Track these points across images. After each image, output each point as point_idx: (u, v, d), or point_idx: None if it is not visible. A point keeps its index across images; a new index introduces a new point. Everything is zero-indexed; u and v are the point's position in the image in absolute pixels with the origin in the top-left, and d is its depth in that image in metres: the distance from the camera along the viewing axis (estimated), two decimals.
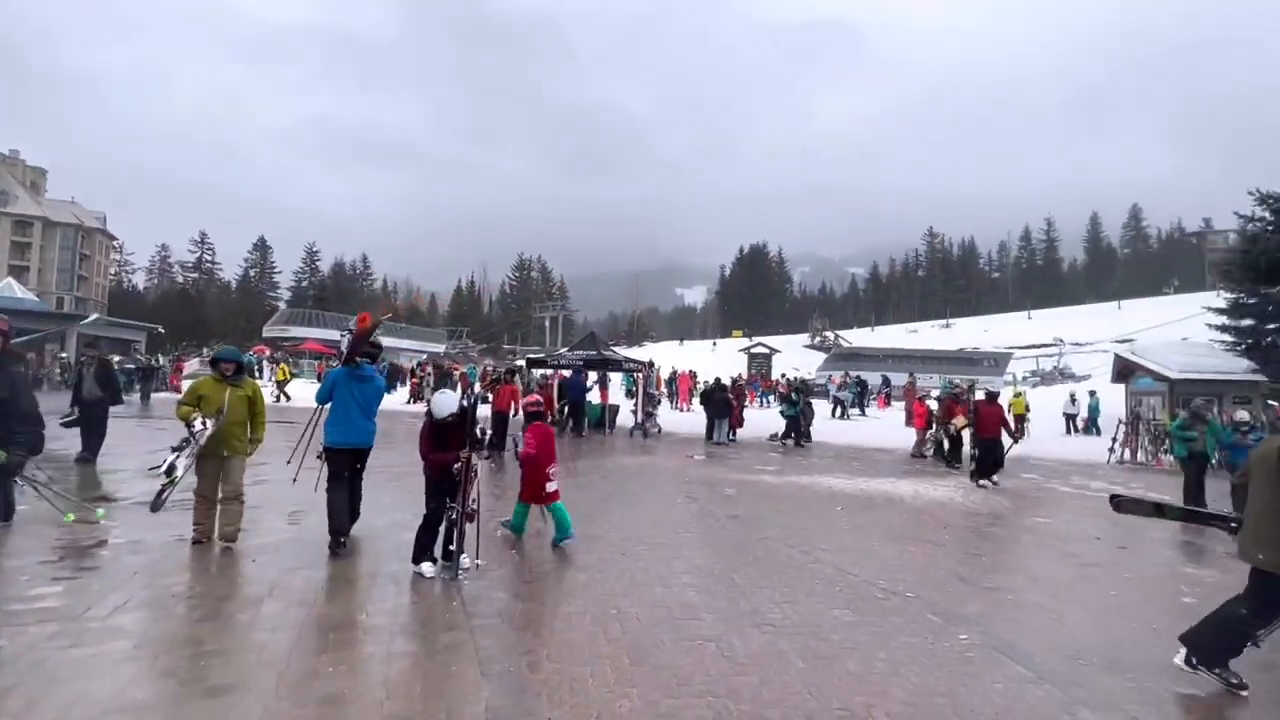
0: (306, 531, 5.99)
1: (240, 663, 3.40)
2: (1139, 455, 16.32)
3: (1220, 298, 22.34)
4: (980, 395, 12.79)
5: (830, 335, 68.00)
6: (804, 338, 69.28)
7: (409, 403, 24.80)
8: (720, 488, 9.53)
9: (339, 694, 3.13)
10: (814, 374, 39.01)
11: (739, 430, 16.74)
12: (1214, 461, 9.71)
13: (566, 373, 17.74)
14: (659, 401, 19.92)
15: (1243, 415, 9.25)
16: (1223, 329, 21.17)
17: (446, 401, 5.10)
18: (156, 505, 5.53)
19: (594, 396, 18.95)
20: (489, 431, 5.24)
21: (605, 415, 17.50)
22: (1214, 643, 3.64)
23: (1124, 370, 21.40)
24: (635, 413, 17.54)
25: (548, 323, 79.99)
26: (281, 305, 78.66)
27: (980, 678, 3.59)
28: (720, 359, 46.78)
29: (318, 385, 9.75)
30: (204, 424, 5.23)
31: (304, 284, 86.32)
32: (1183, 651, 3.71)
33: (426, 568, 4.89)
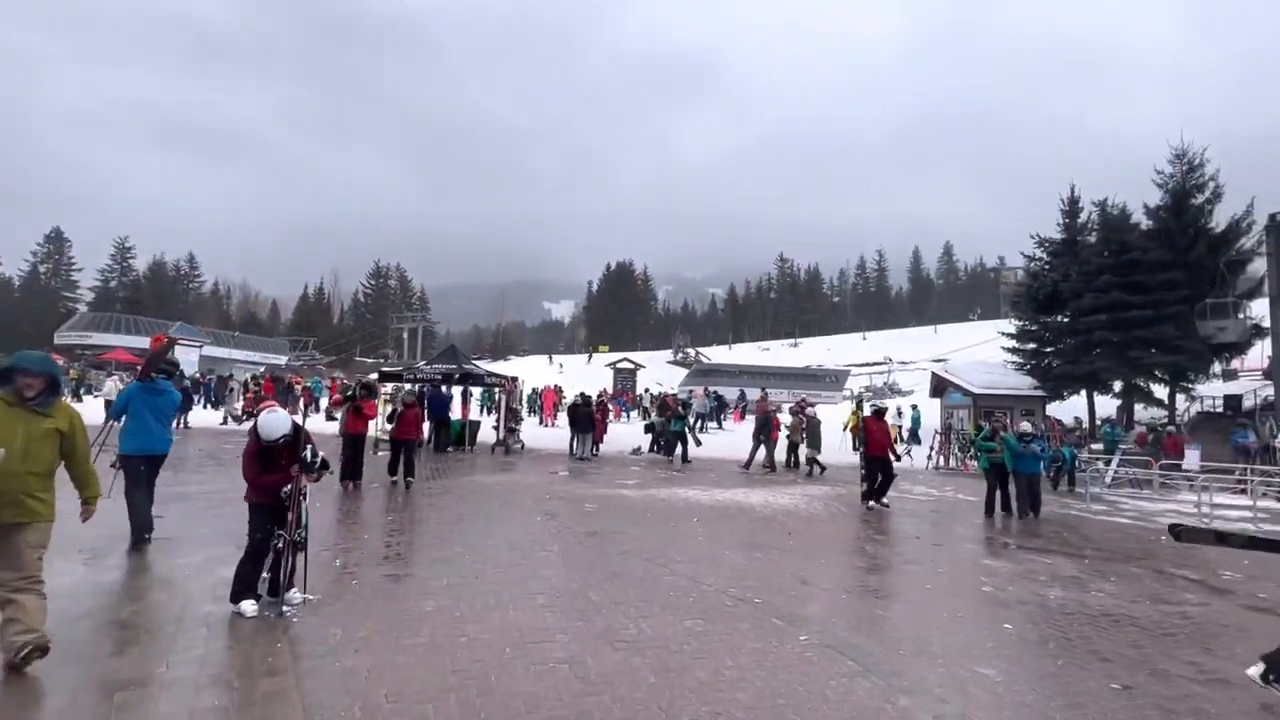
0: (101, 572, 5.14)
1: None
2: (950, 461, 18.52)
3: (1011, 324, 26.13)
4: (868, 411, 11.97)
5: (692, 352, 70.79)
6: (667, 354, 71.49)
7: (241, 420, 22.31)
8: (581, 504, 9.48)
9: None
10: (676, 389, 40.30)
11: (601, 445, 16.87)
12: (1011, 470, 10.45)
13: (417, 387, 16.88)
14: (522, 417, 19.52)
15: (1026, 426, 10.78)
16: (1013, 351, 24.77)
17: (276, 422, 4.56)
18: None
19: (455, 412, 18.27)
20: (319, 454, 4.70)
21: (466, 431, 16.88)
22: None
23: (939, 386, 24.24)
24: (497, 429, 17.12)
25: (406, 334, 75.84)
26: (82, 308, 67.71)
27: (817, 676, 3.82)
28: (589, 374, 46.93)
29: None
30: None
31: (112, 284, 75.10)
32: (1261, 666, 3.50)
33: (247, 606, 4.34)
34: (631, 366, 48.17)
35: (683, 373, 54.78)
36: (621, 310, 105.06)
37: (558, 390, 28.88)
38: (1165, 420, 21.51)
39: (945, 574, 6.61)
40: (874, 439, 10.55)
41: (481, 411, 24.50)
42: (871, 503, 10.27)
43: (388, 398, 15.41)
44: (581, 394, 18.66)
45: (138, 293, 73.00)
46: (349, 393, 11.86)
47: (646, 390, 37.78)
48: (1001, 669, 4.09)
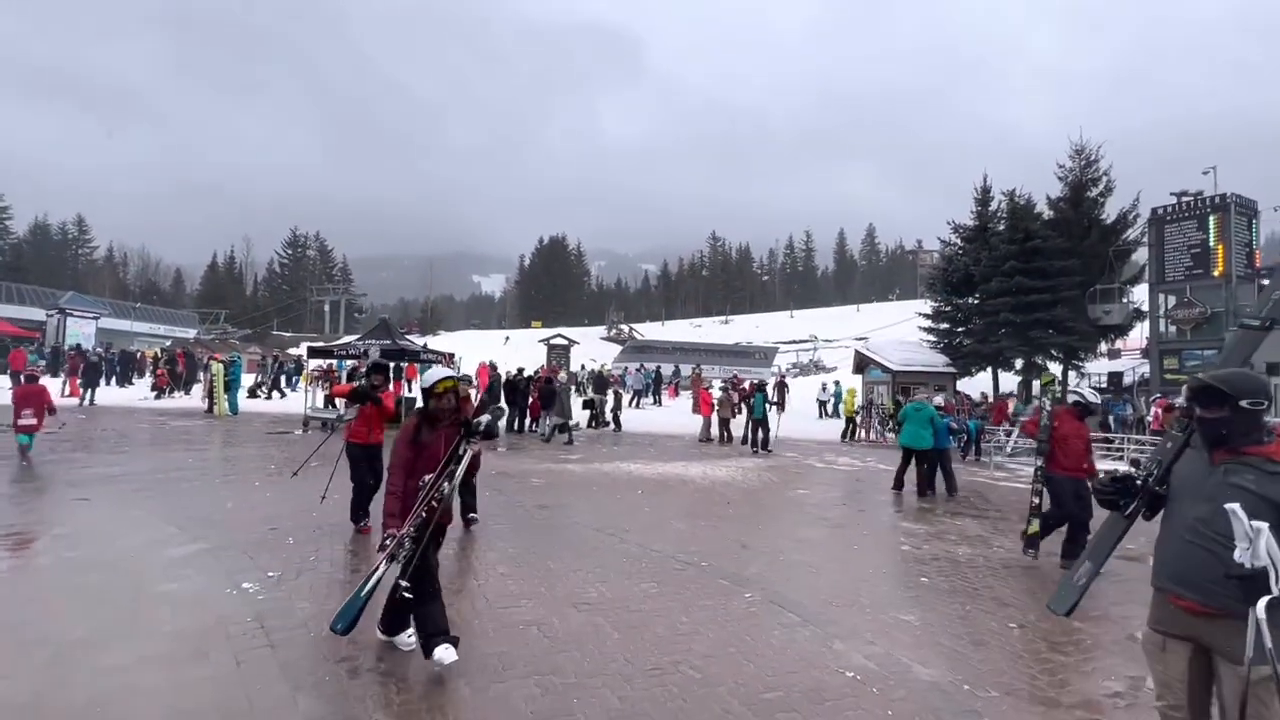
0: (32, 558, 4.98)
1: None
2: (870, 434, 19.75)
3: (927, 305, 27.81)
4: (1047, 404, 7.20)
5: (625, 328, 71.14)
6: (601, 330, 71.59)
7: (156, 397, 21.03)
8: (527, 479, 9.68)
9: None
10: (610, 365, 40.63)
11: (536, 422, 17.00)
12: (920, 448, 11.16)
13: (352, 364, 16.45)
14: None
15: (938, 401, 11.71)
16: (928, 330, 26.40)
17: (438, 372, 3.71)
18: None
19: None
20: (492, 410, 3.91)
21: (401, 409, 16.59)
22: None
23: (861, 363, 25.58)
24: None
25: (327, 307, 72.57)
26: None
27: (762, 628, 4.25)
28: (523, 351, 46.46)
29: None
30: None
31: None
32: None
33: (443, 654, 3.35)
34: (565, 343, 48.08)
35: (616, 349, 55.13)
36: (555, 285, 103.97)
37: (491, 366, 28.62)
38: (1060, 393, 23.63)
39: (869, 536, 7.26)
40: (1069, 449, 6.28)
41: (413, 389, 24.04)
42: (1062, 561, 6.00)
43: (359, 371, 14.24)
44: (519, 369, 18.69)
45: (19, 258, 66.33)
46: (360, 380, 7.29)
47: (583, 366, 37.89)
48: (919, 615, 4.65)
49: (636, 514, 7.63)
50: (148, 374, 25.61)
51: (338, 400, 17.50)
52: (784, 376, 15.46)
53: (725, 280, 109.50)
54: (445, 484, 3.46)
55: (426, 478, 3.45)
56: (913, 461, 9.99)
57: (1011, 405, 19.55)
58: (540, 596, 4.63)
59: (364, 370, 7.78)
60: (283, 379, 25.30)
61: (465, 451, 3.51)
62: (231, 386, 18.42)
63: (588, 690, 3.29)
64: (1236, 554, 1.90)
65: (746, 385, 15.76)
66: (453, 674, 3.38)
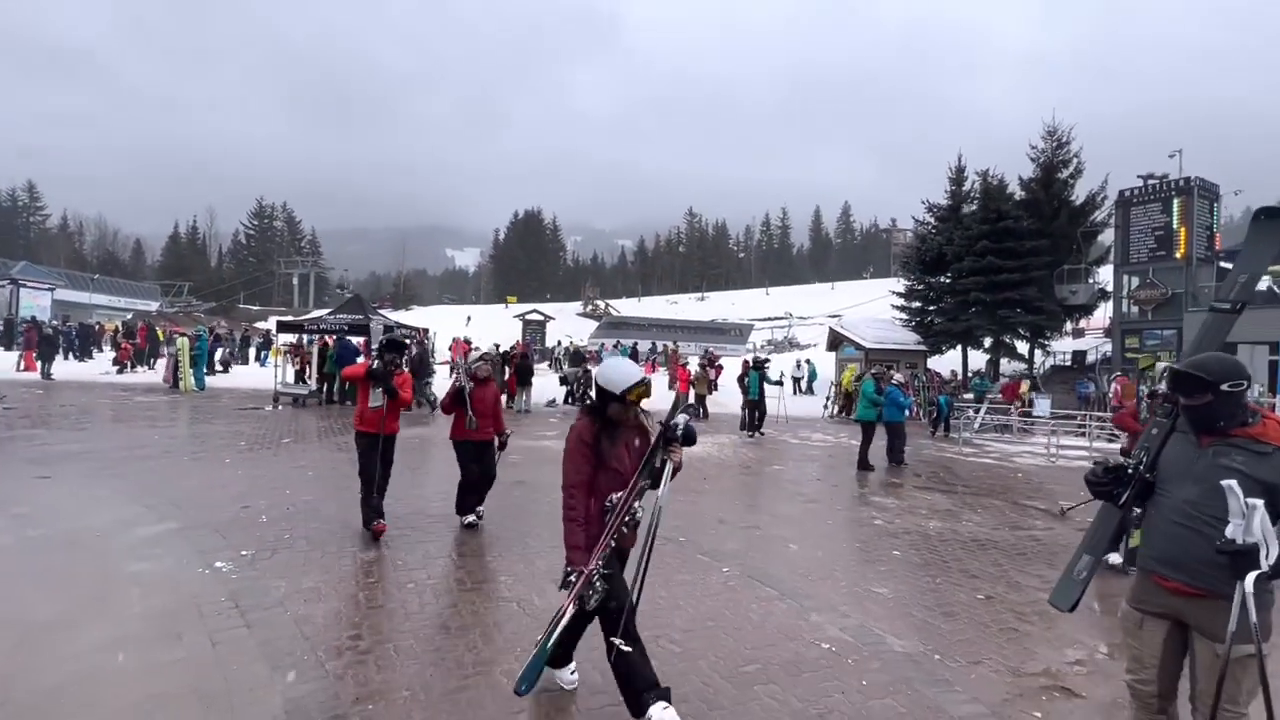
0: None
1: None
2: (844, 411, 20.05)
3: (900, 283, 28.14)
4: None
5: (601, 304, 70.82)
6: (577, 306, 71.18)
7: (118, 372, 20.42)
8: (504, 455, 9.62)
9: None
10: (587, 341, 40.50)
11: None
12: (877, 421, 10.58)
13: (330, 339, 16.16)
14: (433, 370, 19.12)
15: (898, 378, 11.82)
16: (901, 309, 26.75)
17: (625, 369, 3.00)
18: None
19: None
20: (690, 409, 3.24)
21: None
22: None
23: (835, 341, 25.89)
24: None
25: (296, 281, 70.79)
26: None
27: (740, 602, 4.32)
28: (499, 326, 46.02)
29: None
30: None
31: None
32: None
33: (565, 676, 3.10)
34: (541, 318, 47.75)
35: (593, 325, 54.93)
36: (530, 260, 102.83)
37: (467, 342, 28.34)
38: (1026, 372, 24.24)
39: (842, 510, 7.41)
40: None
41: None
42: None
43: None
44: (495, 345, 18.53)
45: None
46: (375, 360, 5.65)
47: (559, 342, 37.71)
48: (892, 588, 4.78)
49: None
50: (106, 347, 24.85)
51: (308, 376, 17.25)
52: (761, 358, 15.25)
53: (702, 257, 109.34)
54: (638, 504, 2.85)
55: (614, 497, 2.84)
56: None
57: (1024, 386, 19.81)
58: (519, 573, 4.64)
59: (375, 349, 6.65)
60: (250, 350, 24.74)
61: (665, 462, 2.84)
62: (198, 361, 17.95)
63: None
64: (1229, 529, 1.93)
65: (743, 363, 15.37)
66: (434, 651, 3.39)
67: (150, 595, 3.96)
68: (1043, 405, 17.71)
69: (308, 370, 17.74)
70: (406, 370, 6.13)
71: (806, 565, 5.20)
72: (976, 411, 16.86)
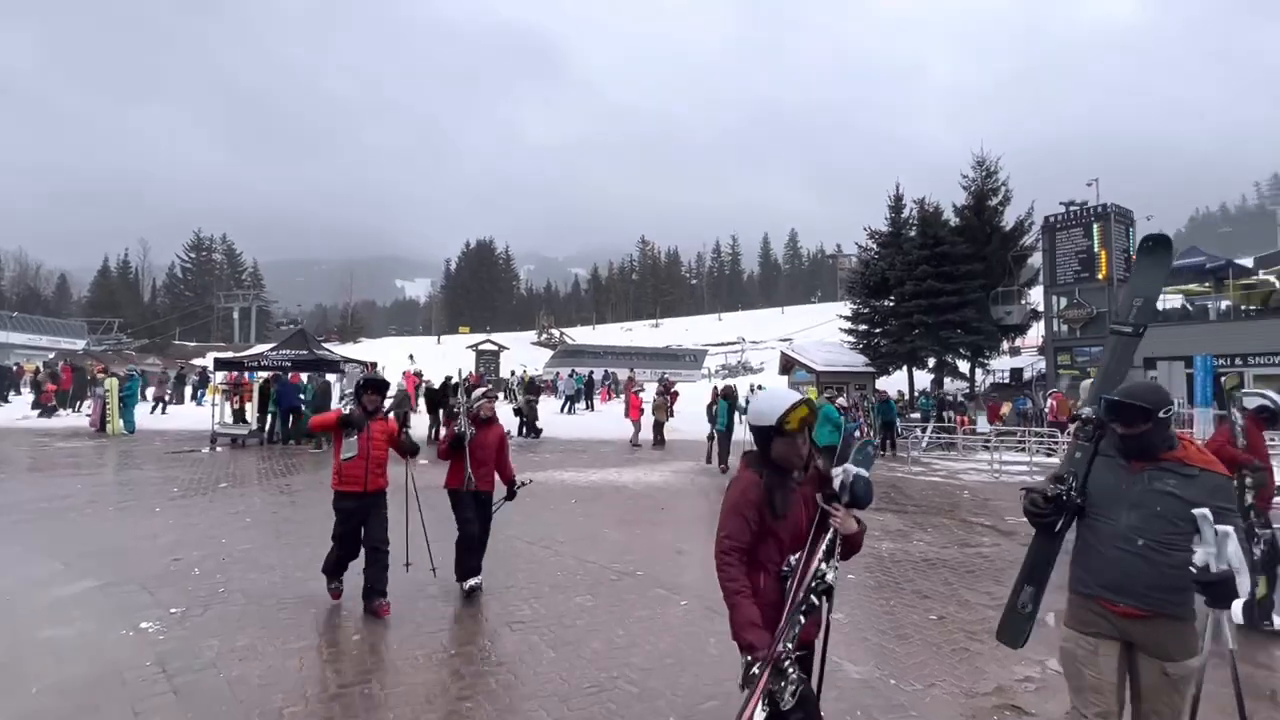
0: None
1: None
2: None
3: (847, 307, 28.98)
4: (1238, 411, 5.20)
5: (556, 333, 70.51)
6: (531, 335, 70.67)
7: (40, 415, 19.13)
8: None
9: None
10: (542, 370, 40.18)
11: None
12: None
13: (264, 375, 15.58)
14: (414, 409, 18.58)
15: (842, 401, 12.14)
16: (849, 332, 27.50)
17: (777, 399, 2.22)
18: None
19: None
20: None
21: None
22: None
23: (787, 364, 26.35)
24: None
25: (236, 314, 68.30)
26: None
27: (698, 635, 4.27)
28: (449, 357, 45.20)
29: None
30: None
31: None
32: None
33: None
34: (494, 348, 47.16)
35: (548, 354, 54.55)
36: (482, 289, 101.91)
37: (418, 375, 27.72)
38: (967, 392, 25.14)
39: None
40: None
41: (341, 400, 22.96)
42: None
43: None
44: (447, 377, 18.20)
45: None
46: (351, 404, 5.17)
47: (512, 372, 37.27)
48: (848, 612, 4.80)
49: (570, 524, 7.54)
50: (25, 389, 23.33)
51: (247, 413, 16.44)
52: (732, 386, 15.26)
53: (655, 284, 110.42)
54: (827, 568, 2.14)
55: (792, 559, 2.20)
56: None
57: (1005, 409, 20.28)
58: (471, 618, 4.49)
59: (353, 390, 5.79)
60: (186, 389, 23.59)
61: (831, 530, 2.16)
62: (128, 403, 16.98)
63: (522, 715, 3.21)
64: (1197, 557, 1.95)
65: (712, 390, 14.97)
66: (381, 708, 3.22)
67: (66, 663, 3.66)
68: (984, 421, 18.38)
69: (247, 409, 17.00)
70: (392, 418, 5.11)
71: None
72: (923, 430, 17.34)
